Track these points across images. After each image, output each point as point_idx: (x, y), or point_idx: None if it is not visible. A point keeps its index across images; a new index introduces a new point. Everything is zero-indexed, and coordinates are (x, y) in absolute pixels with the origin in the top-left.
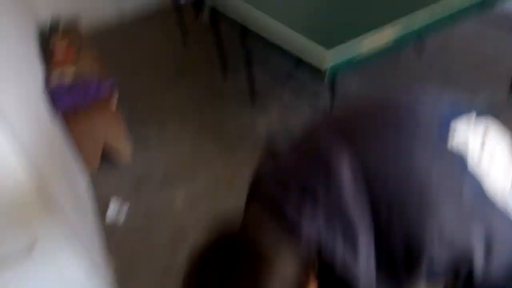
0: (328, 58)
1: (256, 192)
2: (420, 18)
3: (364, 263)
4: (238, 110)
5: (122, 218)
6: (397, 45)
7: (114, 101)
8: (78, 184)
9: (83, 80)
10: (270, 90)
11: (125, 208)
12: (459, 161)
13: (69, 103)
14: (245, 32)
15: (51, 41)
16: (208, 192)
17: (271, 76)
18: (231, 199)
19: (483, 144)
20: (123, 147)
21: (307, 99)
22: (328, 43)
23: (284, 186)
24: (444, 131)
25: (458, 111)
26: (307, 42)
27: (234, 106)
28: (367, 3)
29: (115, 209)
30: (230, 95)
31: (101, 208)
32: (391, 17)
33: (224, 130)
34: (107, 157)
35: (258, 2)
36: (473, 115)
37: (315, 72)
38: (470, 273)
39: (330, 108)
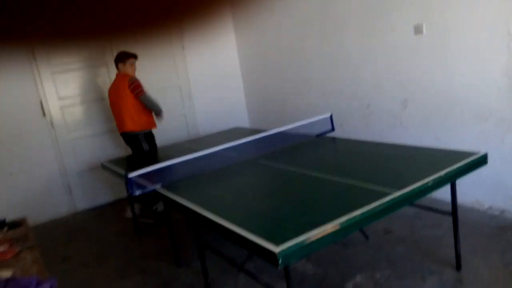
0: (278, 252)
1: None
2: (360, 213)
3: None
4: None
5: None
6: (342, 235)
7: None
8: None
9: (20, 281)
10: (225, 275)
11: None
12: None
13: None
14: (198, 224)
15: None
16: None
17: (226, 262)
18: None
19: None
20: None
21: (263, 284)
22: (277, 239)
23: None
24: None
25: None
26: (257, 239)
27: None
28: (309, 202)
29: None
30: (183, 282)
31: None
32: (334, 214)
33: None
34: None
35: (209, 201)
36: None
37: (268, 260)
38: None
39: None
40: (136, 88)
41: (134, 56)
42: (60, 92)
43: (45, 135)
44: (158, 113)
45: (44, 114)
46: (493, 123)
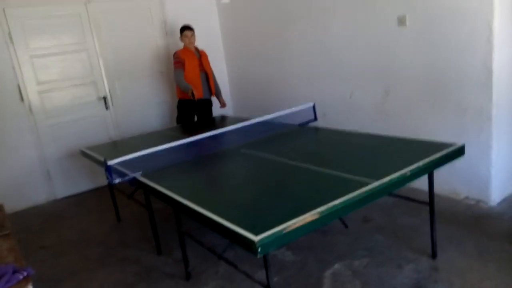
0: (257, 241)
1: None
2: (339, 203)
3: None
4: (172, 287)
5: None
6: (321, 224)
7: None
8: None
9: None
10: (205, 264)
11: None
12: None
13: None
14: (178, 213)
15: None
16: None
17: (206, 251)
18: None
19: None
20: None
21: (243, 272)
22: (257, 228)
23: None
24: None
25: None
26: (237, 228)
27: (167, 282)
28: (290, 192)
29: None
30: (164, 271)
31: None
32: (313, 203)
33: None
34: None
35: (189, 190)
36: None
37: (247, 249)
38: None
39: (266, 279)
40: (174, 62)
41: (181, 29)
42: (38, 77)
43: (23, 120)
44: (184, 91)
45: (22, 99)
46: (472, 115)
